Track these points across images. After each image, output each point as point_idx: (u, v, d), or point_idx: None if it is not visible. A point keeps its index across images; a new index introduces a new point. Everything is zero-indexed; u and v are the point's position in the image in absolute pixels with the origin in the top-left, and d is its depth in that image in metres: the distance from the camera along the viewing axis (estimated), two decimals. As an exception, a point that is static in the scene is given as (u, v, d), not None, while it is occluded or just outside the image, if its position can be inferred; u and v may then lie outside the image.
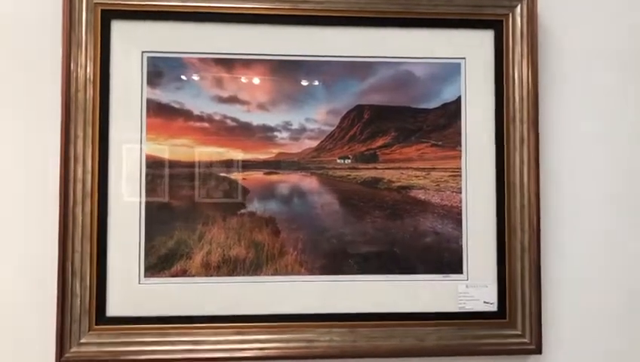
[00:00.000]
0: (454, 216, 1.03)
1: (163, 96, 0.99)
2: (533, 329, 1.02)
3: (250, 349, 0.97)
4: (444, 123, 1.04)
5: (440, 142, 1.03)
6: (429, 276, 1.02)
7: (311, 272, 1.00)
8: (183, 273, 0.98)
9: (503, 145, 1.03)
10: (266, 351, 0.98)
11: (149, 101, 0.99)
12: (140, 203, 0.98)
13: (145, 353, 0.96)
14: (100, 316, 0.96)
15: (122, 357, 0.96)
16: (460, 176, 1.03)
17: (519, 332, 1.03)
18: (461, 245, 1.03)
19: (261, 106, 1.01)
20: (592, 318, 1.09)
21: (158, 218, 0.98)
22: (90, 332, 0.96)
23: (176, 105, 0.99)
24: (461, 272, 1.03)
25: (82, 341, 0.96)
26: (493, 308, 1.03)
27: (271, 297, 1.00)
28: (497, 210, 1.03)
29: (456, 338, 1.01)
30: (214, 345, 0.97)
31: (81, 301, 0.96)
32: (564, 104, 1.09)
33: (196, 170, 1.00)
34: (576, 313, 1.09)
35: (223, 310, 0.99)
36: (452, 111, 1.04)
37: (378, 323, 1.01)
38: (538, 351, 1.03)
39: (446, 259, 1.03)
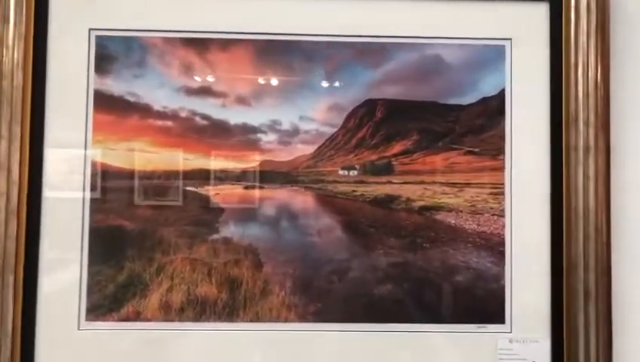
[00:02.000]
0: (495, 247, 0.90)
1: (115, 86, 0.88)
2: (601, 401, 0.87)
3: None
4: (483, 124, 0.92)
5: (477, 149, 0.92)
6: (459, 326, 0.89)
7: (303, 319, 0.88)
8: (136, 316, 0.86)
9: (561, 155, 0.89)
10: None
11: (96, 93, 0.87)
12: (83, 225, 0.86)
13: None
14: (26, 373, 0.85)
15: None
16: (503, 194, 0.91)
17: (581, 406, 0.87)
18: (503, 286, 0.89)
19: (241, 100, 0.89)
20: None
21: (104, 245, 0.87)
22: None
23: (132, 99, 0.88)
24: (503, 322, 0.89)
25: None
26: (546, 370, 0.88)
27: (249, 350, 0.87)
28: (552, 241, 0.89)
29: (495, 411, 0.87)
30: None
31: (0, 354, 0.82)
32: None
33: (155, 182, 0.89)
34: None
35: (187, 366, 0.86)
36: (493, 109, 0.91)
37: (391, 389, 0.86)
38: None
39: (483, 305, 0.89)
